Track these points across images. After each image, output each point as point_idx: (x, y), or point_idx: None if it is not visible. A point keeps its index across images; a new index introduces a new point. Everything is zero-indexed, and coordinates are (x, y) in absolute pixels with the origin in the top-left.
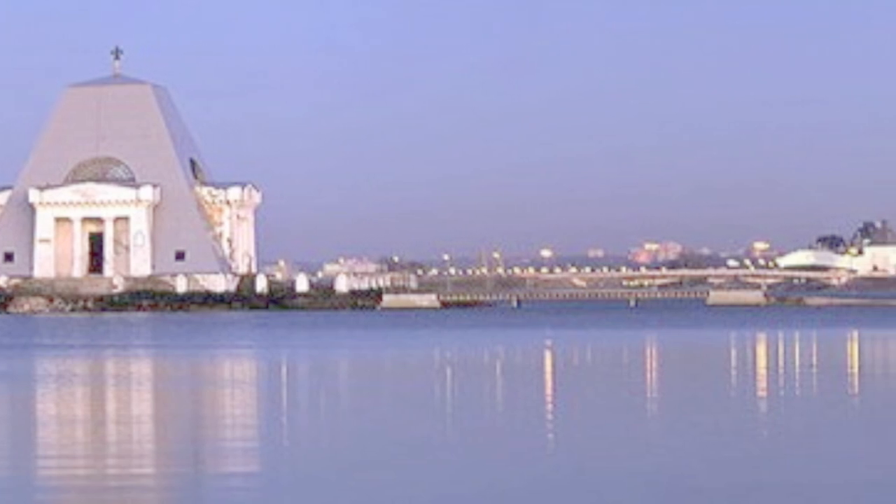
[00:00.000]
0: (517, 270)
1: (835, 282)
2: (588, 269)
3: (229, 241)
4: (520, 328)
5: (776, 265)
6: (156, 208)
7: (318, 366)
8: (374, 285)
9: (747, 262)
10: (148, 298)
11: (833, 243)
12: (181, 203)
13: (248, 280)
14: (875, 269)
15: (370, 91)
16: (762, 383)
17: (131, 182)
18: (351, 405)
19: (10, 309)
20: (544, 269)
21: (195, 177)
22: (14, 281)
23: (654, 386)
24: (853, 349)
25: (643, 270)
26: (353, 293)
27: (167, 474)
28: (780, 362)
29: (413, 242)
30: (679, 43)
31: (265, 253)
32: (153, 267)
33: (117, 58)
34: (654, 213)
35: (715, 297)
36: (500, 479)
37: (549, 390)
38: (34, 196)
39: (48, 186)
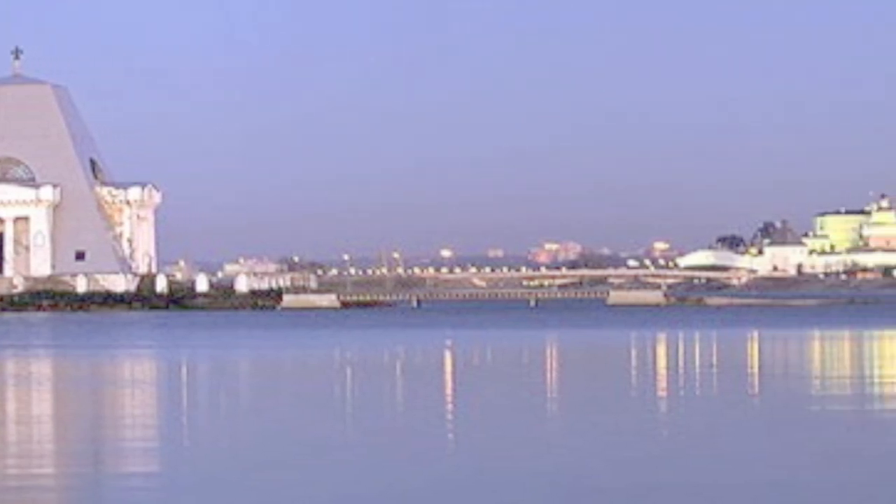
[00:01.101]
0: (417, 270)
1: (735, 282)
2: (488, 269)
3: (129, 240)
4: (420, 328)
5: (676, 265)
6: (56, 208)
7: (218, 366)
8: (274, 285)
9: (647, 262)
10: (48, 298)
11: (733, 243)
12: (81, 203)
13: (148, 280)
14: (775, 269)
15: (270, 91)
16: (662, 383)
17: (31, 182)
18: (251, 405)
19: None
20: (444, 269)
21: (95, 177)
22: None
23: (555, 386)
24: (753, 349)
25: (543, 270)
26: (254, 293)
27: (67, 474)
28: (681, 362)
29: (313, 242)
30: (579, 43)
31: (165, 253)
32: (53, 267)
33: (17, 58)
34: (554, 213)
35: (615, 297)
36: (400, 479)
37: (449, 390)
38: None
39: None
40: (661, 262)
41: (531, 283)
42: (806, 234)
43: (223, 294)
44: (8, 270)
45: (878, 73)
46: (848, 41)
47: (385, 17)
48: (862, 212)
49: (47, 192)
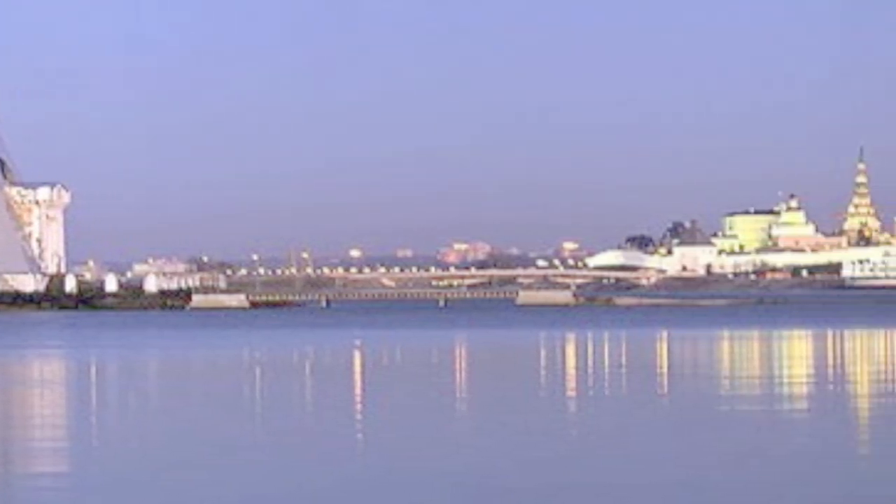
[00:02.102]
0: (326, 270)
1: (644, 282)
2: (397, 269)
3: (39, 241)
4: (329, 328)
5: (585, 265)
6: None
7: (127, 366)
8: (183, 285)
9: (556, 262)
10: None
11: (642, 243)
12: None
13: (57, 280)
14: (684, 269)
15: (179, 90)
16: (571, 383)
17: None
18: (161, 405)
19: None
20: (353, 269)
21: (4, 177)
22: None
23: (464, 386)
24: (662, 349)
25: (452, 270)
26: (163, 293)
27: None
28: (590, 362)
29: (222, 242)
30: (486, 43)
31: (74, 253)
32: None
33: None
34: (463, 213)
35: (524, 297)
36: (309, 479)
37: (358, 390)
38: None
39: None
40: (571, 262)
41: (440, 283)
42: (715, 234)
43: (132, 294)
44: None
45: (787, 73)
46: (757, 42)
47: (294, 17)
48: (771, 212)
49: None
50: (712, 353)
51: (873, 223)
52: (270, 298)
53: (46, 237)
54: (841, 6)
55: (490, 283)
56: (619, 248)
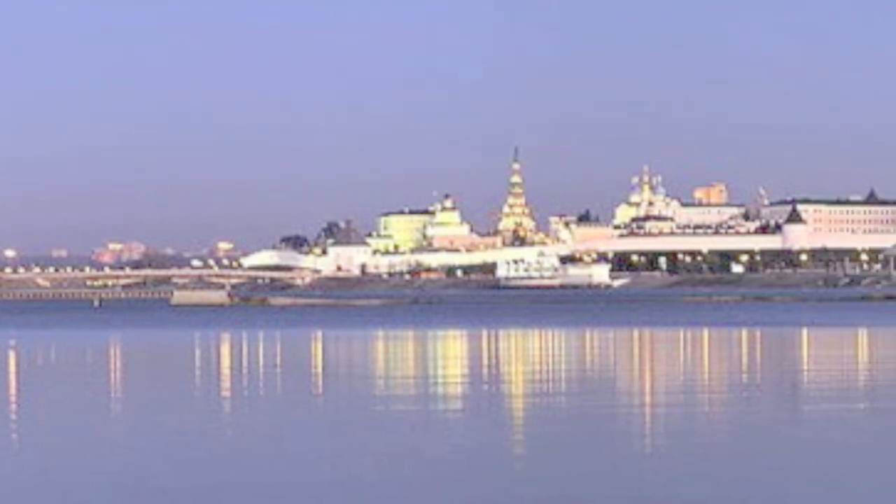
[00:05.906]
0: None
1: (299, 282)
2: (52, 269)
3: None
4: None
5: (240, 265)
6: None
7: None
8: None
9: (211, 262)
10: None
11: (297, 243)
12: None
13: None
14: (339, 268)
15: None
16: (226, 383)
17: None
18: None
19: None
20: (8, 269)
21: None
22: None
23: (118, 386)
24: (317, 349)
25: (107, 270)
26: None
27: None
28: (245, 362)
29: None
30: (143, 43)
31: None
32: None
33: None
34: (118, 213)
35: (179, 297)
36: None
37: (13, 390)
38: None
39: None
40: (225, 262)
41: (95, 283)
42: (370, 234)
43: None
44: None
45: (441, 72)
46: (411, 41)
47: None
48: (426, 212)
49: None
50: (367, 353)
51: (528, 223)
52: None
53: None
54: (495, 7)
55: (145, 282)
56: (274, 248)
